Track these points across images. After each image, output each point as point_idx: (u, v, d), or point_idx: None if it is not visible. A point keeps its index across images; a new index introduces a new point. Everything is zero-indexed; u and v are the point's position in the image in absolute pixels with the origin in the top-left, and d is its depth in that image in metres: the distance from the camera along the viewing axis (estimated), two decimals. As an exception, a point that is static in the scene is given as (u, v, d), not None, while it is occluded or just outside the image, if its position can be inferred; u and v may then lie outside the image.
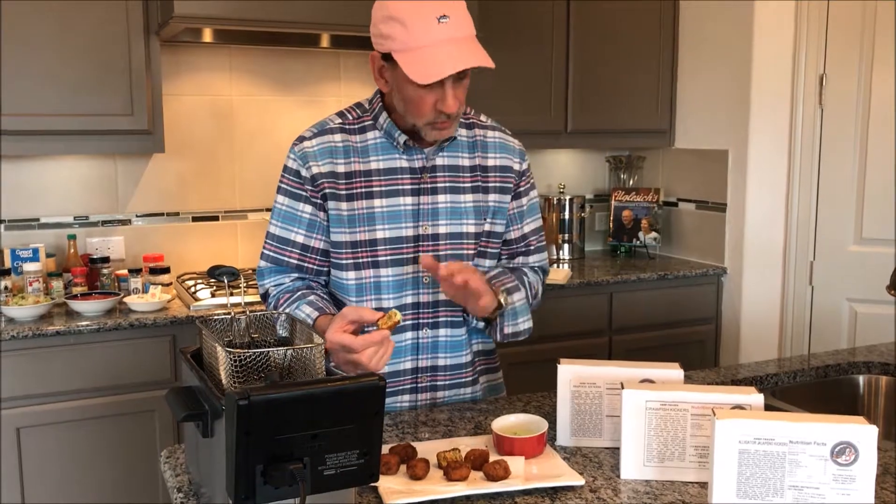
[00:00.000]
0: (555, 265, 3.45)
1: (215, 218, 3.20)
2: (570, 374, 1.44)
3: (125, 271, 2.85)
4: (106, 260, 2.87)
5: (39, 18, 2.57)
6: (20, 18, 2.54)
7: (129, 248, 3.06)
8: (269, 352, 1.12)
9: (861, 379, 1.96)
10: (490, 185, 1.68)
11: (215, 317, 1.29)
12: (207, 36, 2.94)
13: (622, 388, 1.31)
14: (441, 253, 1.62)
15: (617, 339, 3.29)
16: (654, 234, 3.60)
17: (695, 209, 3.54)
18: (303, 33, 2.86)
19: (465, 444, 1.40)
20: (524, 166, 1.74)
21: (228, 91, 3.17)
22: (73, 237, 2.88)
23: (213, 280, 2.88)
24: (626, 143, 3.64)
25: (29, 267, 2.65)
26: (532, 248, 1.78)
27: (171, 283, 2.91)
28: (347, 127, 1.62)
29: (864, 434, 1.14)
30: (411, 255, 1.61)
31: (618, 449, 1.39)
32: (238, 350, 1.10)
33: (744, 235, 3.31)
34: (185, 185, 3.14)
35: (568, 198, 3.58)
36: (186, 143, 3.13)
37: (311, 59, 3.26)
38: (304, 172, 1.59)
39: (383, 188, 1.60)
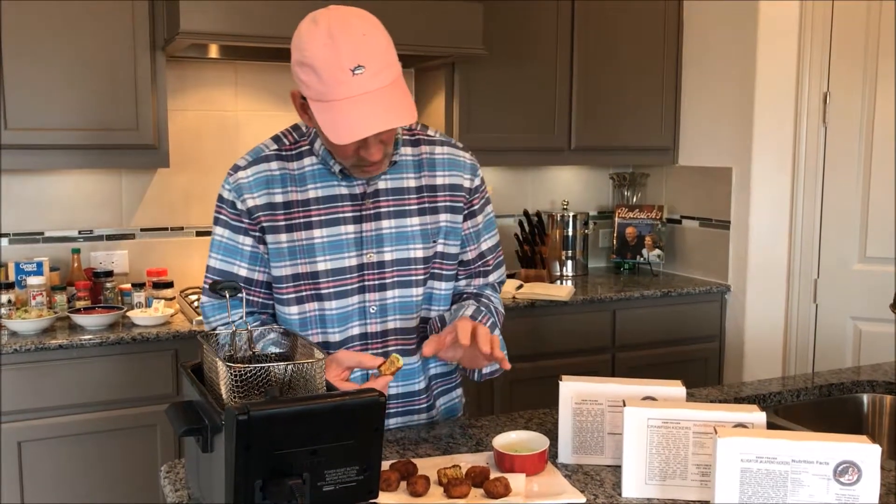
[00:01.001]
0: (558, 282, 3.45)
1: (219, 233, 3.21)
2: (572, 391, 1.43)
3: (128, 285, 2.86)
4: (109, 274, 2.88)
5: (46, 33, 2.58)
6: (26, 33, 2.56)
7: (132, 262, 3.07)
8: (269, 367, 1.12)
9: (865, 398, 1.95)
10: (439, 204, 1.60)
11: (217, 331, 1.29)
12: (213, 52, 2.95)
13: (624, 405, 1.30)
14: (388, 280, 1.56)
15: (620, 357, 3.28)
16: (657, 251, 3.60)
17: (698, 226, 3.53)
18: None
19: (466, 460, 1.39)
20: (476, 182, 1.65)
21: (234, 106, 3.18)
22: (77, 251, 2.89)
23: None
24: (629, 160, 3.65)
25: (33, 281, 2.66)
26: (490, 266, 1.72)
27: (174, 298, 2.91)
28: (284, 153, 1.54)
29: (867, 453, 1.13)
30: (356, 286, 1.55)
31: (619, 467, 1.38)
32: (238, 365, 1.10)
33: (747, 253, 3.30)
34: (190, 200, 3.15)
35: (571, 214, 3.58)
36: (191, 158, 3.14)
37: (316, 75, 3.27)
38: (239, 205, 1.52)
39: (323, 217, 1.52)
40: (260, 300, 1.59)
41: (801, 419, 1.84)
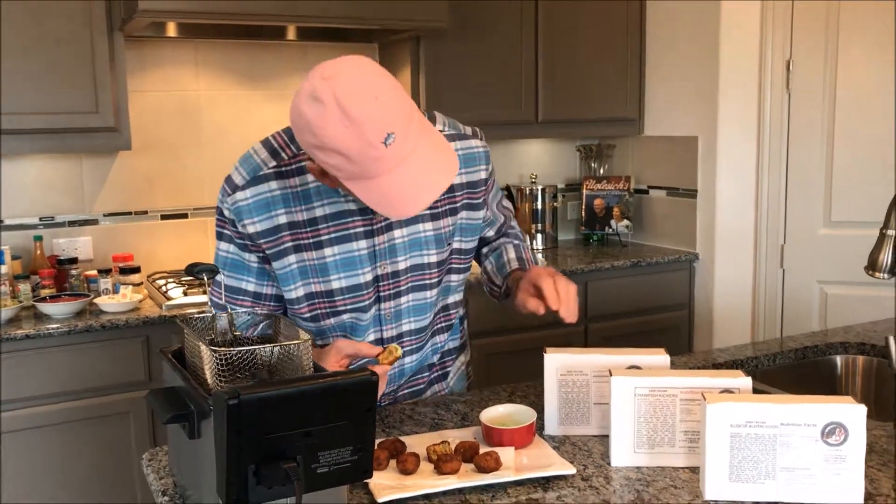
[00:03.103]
0: (529, 255, 3.45)
1: (184, 216, 3.15)
2: (557, 362, 1.43)
3: (94, 272, 2.80)
4: (74, 261, 2.81)
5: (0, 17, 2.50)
6: (-22, 15, 2.48)
7: (97, 248, 3.00)
8: (255, 349, 1.10)
9: (838, 359, 1.99)
10: (458, 205, 1.53)
11: (196, 315, 1.26)
12: (172, 30, 2.88)
13: (611, 375, 1.31)
14: (402, 287, 1.51)
15: (593, 328, 3.30)
16: (625, 222, 3.62)
17: (666, 196, 3.56)
18: (269, 25, 2.82)
19: (454, 436, 1.39)
20: (490, 168, 1.59)
21: (195, 86, 3.12)
22: (39, 238, 2.82)
23: (185, 279, 2.85)
24: (596, 131, 3.65)
25: (-6, 270, 2.59)
26: (508, 228, 1.75)
27: (141, 283, 2.85)
28: (283, 170, 1.42)
29: (853, 414, 1.15)
30: (372, 299, 1.49)
31: (606, 436, 1.39)
32: (224, 349, 1.07)
33: (715, 221, 3.33)
34: (153, 183, 3.09)
35: (540, 188, 3.58)
36: (153, 140, 3.07)
37: (278, 52, 3.22)
38: (240, 228, 1.43)
39: (332, 235, 1.44)
40: (270, 312, 1.51)
41: (778, 383, 1.86)
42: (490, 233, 1.71)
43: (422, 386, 1.66)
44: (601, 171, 3.79)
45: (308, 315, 1.49)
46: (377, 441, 1.33)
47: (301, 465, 0.97)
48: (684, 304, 3.46)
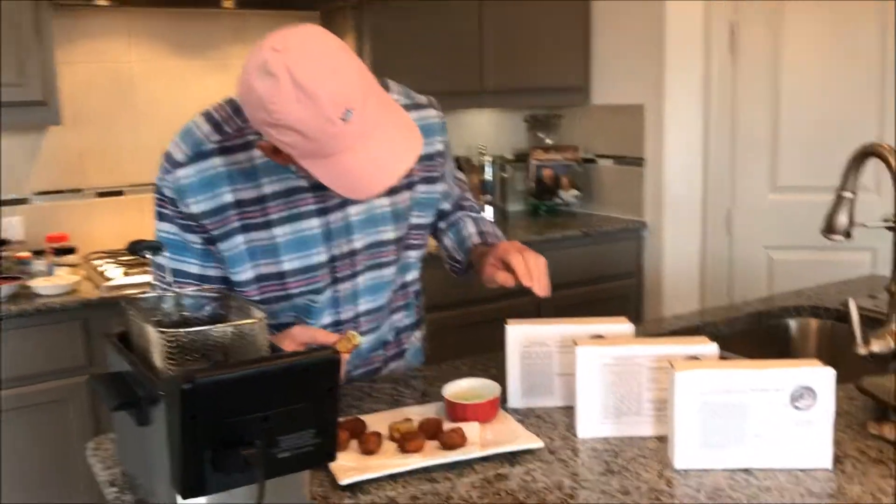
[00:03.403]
0: (478, 227, 3.42)
1: (120, 193, 3.03)
2: (519, 334, 1.39)
3: (27, 253, 2.67)
4: (4, 242, 2.67)
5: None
6: None
7: (29, 228, 2.86)
8: (208, 330, 1.03)
9: (792, 323, 2.00)
10: (415, 178, 1.48)
11: (140, 296, 1.19)
12: (102, -2, 2.75)
13: (575, 345, 1.27)
14: (359, 267, 1.45)
15: (545, 301, 3.28)
16: (574, 192, 3.60)
17: (614, 165, 3.55)
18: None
19: (416, 413, 1.34)
20: (446, 139, 1.54)
21: (128, 57, 2.98)
22: (-35, 220, 2.68)
23: (124, 258, 2.74)
24: (543, 101, 3.61)
25: (-82, 254, 2.45)
26: (466, 202, 1.70)
27: (78, 264, 2.73)
28: (228, 145, 1.33)
29: (822, 377, 1.14)
30: (328, 280, 1.42)
31: (571, 408, 1.36)
32: (174, 330, 1.00)
33: (663, 189, 3.34)
34: (86, 159, 2.95)
35: (488, 159, 3.54)
36: (85, 114, 2.93)
37: (216, 21, 3.09)
38: (182, 208, 1.34)
39: (283, 214, 1.36)
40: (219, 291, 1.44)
41: (735, 348, 1.86)
42: (446, 206, 1.66)
43: (378, 364, 1.61)
44: (549, 142, 3.76)
45: (258, 298, 1.42)
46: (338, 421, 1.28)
47: (261, 451, 0.92)
48: (634, 273, 3.47)
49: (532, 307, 3.26)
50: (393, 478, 1.15)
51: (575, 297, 3.32)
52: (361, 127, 1.15)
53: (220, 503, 0.97)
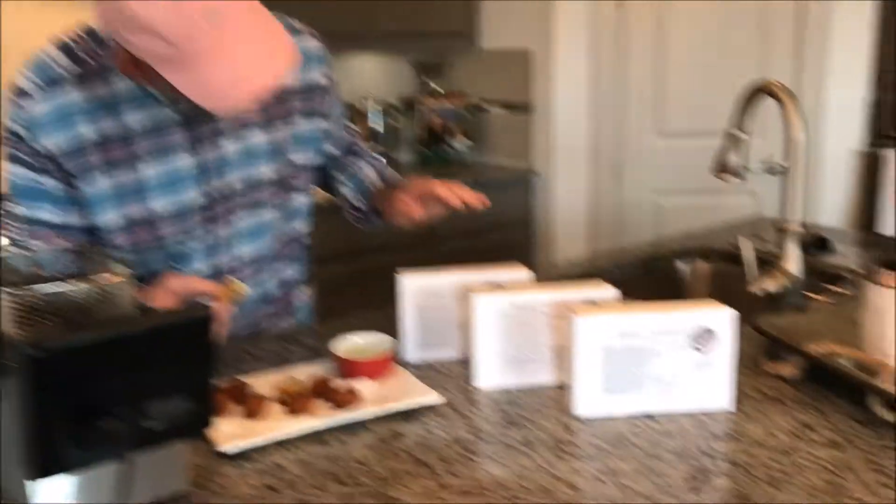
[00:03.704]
0: (367, 177, 3.32)
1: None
2: (413, 285, 1.32)
3: None
4: None
5: None
6: None
7: None
8: (64, 290, 0.91)
9: (683, 266, 2.01)
10: (294, 111, 1.38)
11: (-15, 253, 1.05)
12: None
13: (472, 294, 1.21)
14: (237, 208, 1.35)
15: (437, 250, 3.23)
16: (465, 140, 3.54)
17: (503, 112, 3.50)
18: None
19: (304, 372, 1.25)
20: (329, 71, 1.44)
21: (-26, -5, 2.70)
22: None
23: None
24: (430, 46, 3.51)
25: None
26: (359, 149, 1.61)
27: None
28: (86, 74, 1.21)
29: (722, 318, 1.12)
30: (203, 223, 1.32)
31: (469, 359, 1.30)
32: (25, 289, 0.88)
33: (552, 136, 3.32)
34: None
35: (376, 106, 3.42)
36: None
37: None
38: (36, 147, 1.21)
39: (150, 150, 1.25)
40: (78, 245, 1.27)
41: (628, 292, 1.85)
42: (334, 150, 1.55)
43: (263, 322, 1.51)
44: (438, 88, 3.67)
45: (126, 246, 1.29)
46: (218, 383, 1.18)
47: (125, 422, 0.82)
48: (525, 222, 3.46)
49: (424, 258, 3.20)
50: (280, 443, 1.06)
51: (467, 248, 3.28)
52: (229, 34, 1.05)
53: (86, 483, 0.87)
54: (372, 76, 3.63)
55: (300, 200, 1.46)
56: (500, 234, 3.39)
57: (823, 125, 2.99)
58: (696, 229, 2.21)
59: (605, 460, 1.01)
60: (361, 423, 1.11)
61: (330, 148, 1.53)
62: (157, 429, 0.85)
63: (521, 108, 3.41)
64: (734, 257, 1.95)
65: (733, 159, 1.53)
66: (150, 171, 1.26)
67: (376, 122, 3.43)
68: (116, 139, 1.23)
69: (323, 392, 1.16)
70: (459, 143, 3.54)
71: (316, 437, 1.08)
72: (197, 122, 1.26)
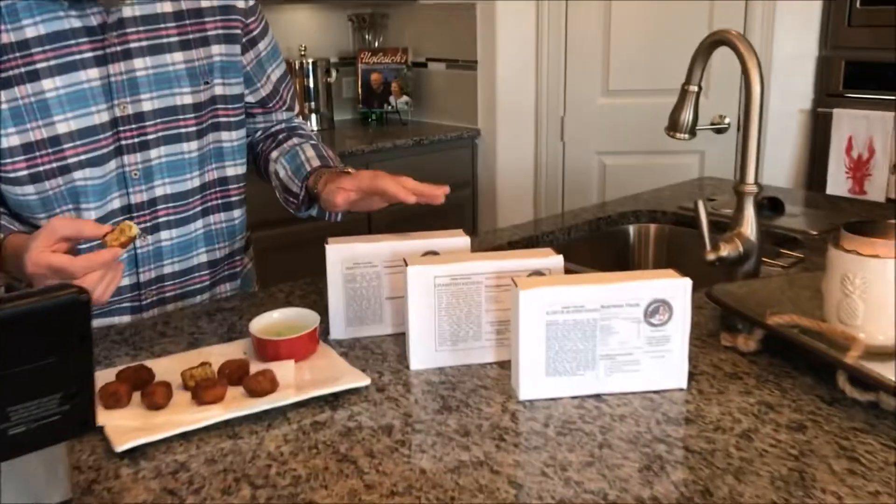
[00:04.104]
0: (302, 137, 3.16)
1: None
2: (341, 254, 1.19)
3: None
4: None
5: None
6: None
7: None
8: None
9: (631, 229, 1.91)
10: (209, 34, 1.29)
11: None
12: None
13: (405, 264, 1.09)
14: (150, 136, 1.24)
15: (376, 215, 3.09)
16: (405, 98, 3.39)
17: (445, 69, 3.36)
18: None
19: (218, 354, 1.12)
20: (251, 1, 1.35)
21: None
22: None
23: None
24: (368, -1, 3.35)
25: None
26: (287, 100, 1.47)
27: None
28: None
29: (678, 289, 1.01)
30: (111, 148, 1.23)
31: (403, 335, 1.19)
32: None
33: (495, 94, 3.19)
34: None
35: (311, 62, 3.25)
36: None
37: None
38: None
39: (52, 63, 1.16)
40: None
41: (574, 257, 1.75)
42: (252, 99, 1.41)
43: (198, 286, 1.38)
44: (376, 44, 3.50)
45: (26, 173, 1.18)
46: (116, 370, 1.04)
47: (-17, 429, 0.68)
48: (468, 183, 3.34)
49: (362, 223, 3.06)
50: (185, 436, 0.94)
51: (407, 211, 3.15)
52: None
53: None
54: (307, 31, 3.44)
55: (227, 138, 1.35)
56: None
57: (769, 83, 2.91)
58: (643, 191, 2.11)
59: (552, 450, 0.90)
60: (280, 412, 0.99)
61: (251, 97, 1.39)
62: (22, 433, 0.71)
63: (463, 64, 3.27)
64: (682, 220, 1.86)
65: (686, 116, 1.43)
66: (51, 85, 1.17)
67: (312, 80, 3.25)
68: (13, 50, 1.15)
69: (237, 377, 1.03)
70: (399, 102, 3.38)
71: (227, 428, 0.95)
72: (105, 34, 1.17)
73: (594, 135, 3.18)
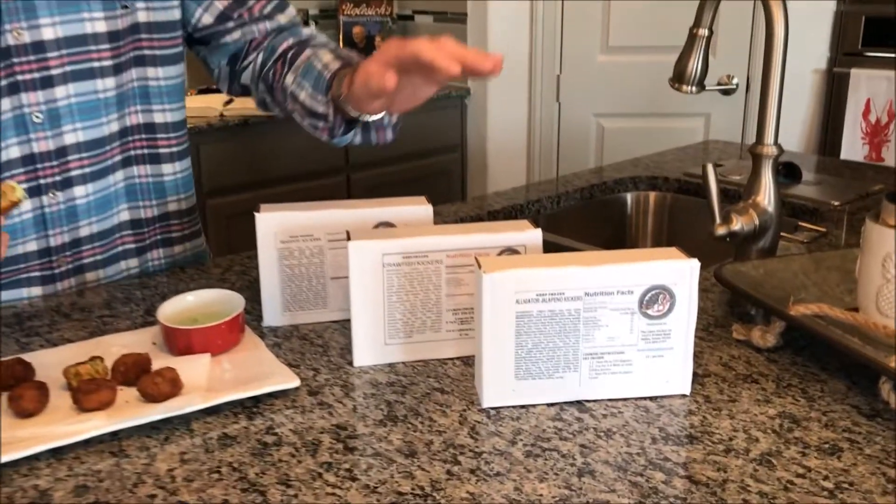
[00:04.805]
0: (277, 95, 2.93)
1: None
2: (274, 225, 0.99)
3: None
4: None
5: None
6: None
7: None
8: None
9: (629, 197, 1.71)
10: None
11: None
12: None
13: (348, 239, 0.89)
14: (54, 71, 1.03)
15: (355, 178, 2.89)
16: (389, 54, 3.17)
17: (433, 22, 3.13)
18: None
19: (121, 345, 0.92)
20: None
21: None
22: None
23: None
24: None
25: None
26: (269, 6, 1.19)
27: None
28: None
29: (682, 273, 0.81)
30: (5, 83, 1.02)
31: (349, 322, 0.99)
32: None
33: (487, 49, 2.95)
34: None
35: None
36: None
37: None
38: None
39: None
40: None
41: (564, 228, 1.56)
42: (209, 19, 1.16)
43: (120, 249, 1.18)
44: (359, -5, 3.28)
45: None
46: (-13, 365, 0.85)
47: None
48: (456, 146, 3.13)
49: (340, 187, 2.86)
50: (58, 453, 0.74)
51: (392, 176, 2.95)
52: None
53: None
54: (285, -20, 3.21)
55: (154, 75, 1.14)
56: (430, 161, 3.06)
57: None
58: (644, 155, 1.91)
59: (517, 479, 0.71)
60: (183, 421, 0.79)
61: (217, 5, 1.15)
62: None
63: (452, 17, 3.04)
64: (686, 187, 1.66)
65: (694, 65, 1.21)
66: None
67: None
68: None
69: (134, 375, 0.84)
70: (383, 58, 3.16)
71: (112, 444, 0.76)
72: None
73: (592, 95, 2.96)
